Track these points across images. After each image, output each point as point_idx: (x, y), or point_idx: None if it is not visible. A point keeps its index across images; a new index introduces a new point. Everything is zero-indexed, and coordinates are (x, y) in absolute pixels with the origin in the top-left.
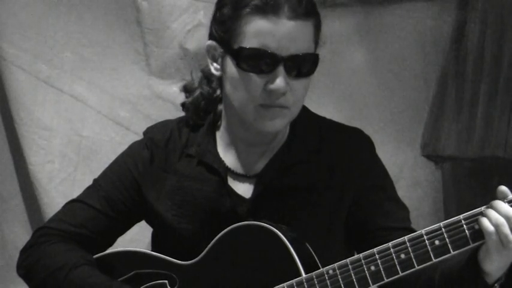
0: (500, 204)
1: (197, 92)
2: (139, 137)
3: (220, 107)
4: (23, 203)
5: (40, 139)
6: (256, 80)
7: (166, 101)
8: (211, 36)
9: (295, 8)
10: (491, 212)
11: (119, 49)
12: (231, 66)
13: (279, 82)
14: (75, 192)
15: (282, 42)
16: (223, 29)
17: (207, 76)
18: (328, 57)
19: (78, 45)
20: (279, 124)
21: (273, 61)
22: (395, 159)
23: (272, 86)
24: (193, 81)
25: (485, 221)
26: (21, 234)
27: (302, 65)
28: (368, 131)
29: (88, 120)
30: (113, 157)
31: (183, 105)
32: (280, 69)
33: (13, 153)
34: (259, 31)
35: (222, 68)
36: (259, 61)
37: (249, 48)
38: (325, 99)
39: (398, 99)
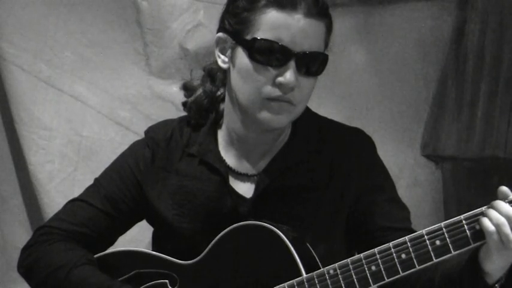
0: (501, 204)
1: (199, 91)
2: (139, 137)
3: (223, 106)
4: (23, 203)
5: (40, 139)
6: (267, 72)
7: (166, 101)
8: (221, 29)
9: (311, 6)
10: (492, 212)
11: (119, 49)
12: (241, 58)
13: (289, 76)
14: (75, 192)
15: (295, 37)
16: (237, 20)
17: (210, 74)
18: (328, 57)
19: (78, 45)
20: (283, 120)
21: (285, 55)
22: (395, 159)
23: (282, 79)
24: (193, 80)
25: (486, 221)
26: (21, 234)
27: (312, 63)
28: (368, 131)
29: (88, 120)
30: (113, 157)
31: (185, 104)
32: (292, 64)
33: (13, 153)
34: (274, 23)
35: (231, 61)
36: (272, 53)
37: (263, 40)
38: (325, 99)
39: (398, 99)
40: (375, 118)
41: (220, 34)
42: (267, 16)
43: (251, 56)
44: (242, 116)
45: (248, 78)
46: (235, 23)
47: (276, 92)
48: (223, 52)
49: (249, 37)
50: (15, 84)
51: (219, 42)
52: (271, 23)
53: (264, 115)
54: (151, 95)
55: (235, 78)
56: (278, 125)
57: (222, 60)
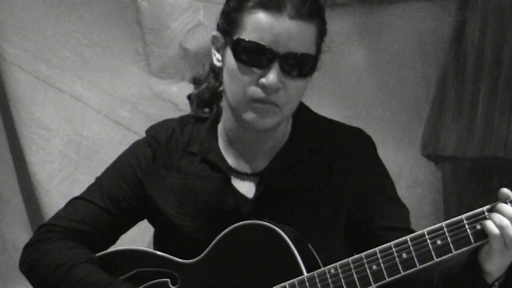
0: (504, 206)
1: (204, 85)
2: (139, 136)
3: (222, 102)
4: (23, 203)
5: (40, 139)
6: (251, 73)
7: (166, 101)
8: (217, 28)
9: (298, 8)
10: (496, 215)
11: (119, 49)
12: (229, 58)
13: (272, 78)
14: (75, 192)
15: (279, 39)
16: (227, 20)
17: (213, 70)
18: (328, 57)
19: (78, 45)
20: (268, 122)
21: (269, 56)
22: (395, 159)
23: (265, 81)
24: (203, 74)
25: (490, 224)
26: (21, 234)
27: (298, 65)
28: (368, 131)
29: (88, 120)
30: (113, 157)
31: (189, 97)
32: (275, 65)
33: (13, 153)
34: (259, 25)
35: (223, 60)
36: (255, 55)
37: (247, 41)
38: (325, 99)
39: (398, 99)
40: (375, 118)
41: (215, 32)
42: (253, 17)
43: (236, 57)
44: (234, 115)
45: (234, 78)
46: (225, 23)
47: (260, 94)
48: (218, 50)
49: (235, 37)
50: (15, 84)
51: (214, 40)
52: (256, 24)
53: (250, 116)
54: (151, 95)
55: (225, 77)
56: (263, 126)
57: (216, 59)
